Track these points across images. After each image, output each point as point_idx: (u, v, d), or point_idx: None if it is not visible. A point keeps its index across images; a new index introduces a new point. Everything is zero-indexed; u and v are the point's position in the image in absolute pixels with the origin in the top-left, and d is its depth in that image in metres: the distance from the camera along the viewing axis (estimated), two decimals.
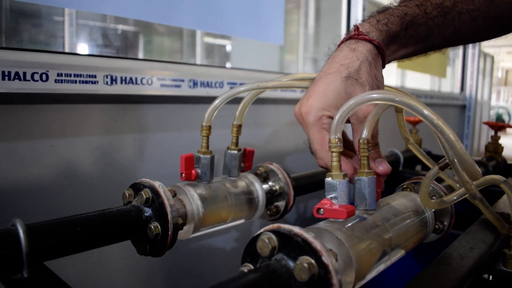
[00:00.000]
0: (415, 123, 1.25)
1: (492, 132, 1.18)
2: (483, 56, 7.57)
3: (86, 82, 0.80)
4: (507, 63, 12.84)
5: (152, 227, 0.55)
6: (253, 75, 1.15)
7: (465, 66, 2.65)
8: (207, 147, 0.65)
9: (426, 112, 0.42)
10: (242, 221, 0.71)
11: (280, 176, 0.73)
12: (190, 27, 1.08)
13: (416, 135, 1.26)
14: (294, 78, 0.63)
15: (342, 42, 0.59)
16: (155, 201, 0.56)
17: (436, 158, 1.30)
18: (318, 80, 0.56)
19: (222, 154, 0.69)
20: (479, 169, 0.46)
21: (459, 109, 2.65)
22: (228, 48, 3.43)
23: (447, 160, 0.56)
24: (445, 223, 0.64)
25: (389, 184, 1.17)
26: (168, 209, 0.55)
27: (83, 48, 1.31)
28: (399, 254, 0.55)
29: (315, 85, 0.56)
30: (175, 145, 0.99)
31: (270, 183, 0.74)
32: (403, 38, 0.60)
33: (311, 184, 0.86)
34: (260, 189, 0.70)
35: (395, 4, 0.61)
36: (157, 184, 0.57)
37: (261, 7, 1.17)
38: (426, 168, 1.35)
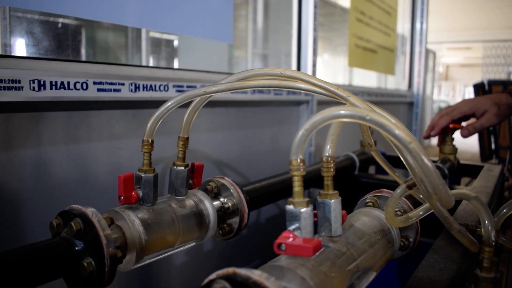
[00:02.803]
0: None
1: None
2: (426, 52, 7.86)
3: (9, 88, 0.70)
4: (447, 59, 13.40)
5: (85, 263, 0.47)
6: (202, 77, 1.07)
7: (412, 64, 2.69)
8: (149, 164, 0.57)
9: (399, 132, 0.36)
10: (192, 243, 0.64)
11: (232, 191, 0.66)
12: (135, 25, 0.99)
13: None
14: (241, 77, 0.56)
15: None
16: (88, 232, 0.48)
17: (390, 159, 1.27)
18: None
19: (168, 163, 0.62)
20: (453, 197, 0.41)
21: (407, 106, 2.68)
22: (176, 43, 3.32)
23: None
24: (411, 240, 0.60)
25: (346, 189, 1.13)
26: (104, 241, 0.47)
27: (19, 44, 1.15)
28: (371, 277, 0.50)
29: None
30: (117, 155, 0.90)
31: (221, 199, 0.67)
32: None
33: (267, 196, 0.80)
34: (210, 207, 0.63)
35: None
36: (90, 212, 0.48)
37: (208, 6, 1.09)
38: (380, 170, 1.33)
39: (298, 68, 1.47)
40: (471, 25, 8.15)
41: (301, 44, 1.45)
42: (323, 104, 1.55)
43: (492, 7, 7.66)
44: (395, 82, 3.03)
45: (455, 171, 1.18)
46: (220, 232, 0.67)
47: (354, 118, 0.37)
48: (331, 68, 3.58)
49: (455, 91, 14.19)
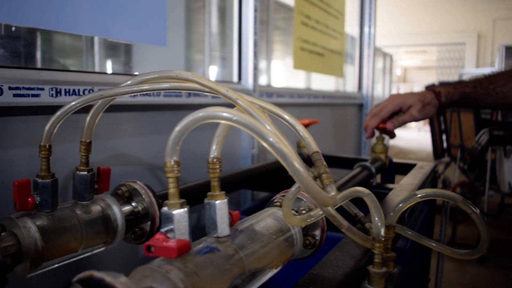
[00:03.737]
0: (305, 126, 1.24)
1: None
2: (383, 55, 8.04)
3: None
4: (405, 62, 13.80)
5: None
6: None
7: (361, 66, 2.75)
8: (48, 170, 0.56)
9: (271, 139, 0.37)
10: (101, 248, 0.63)
11: (144, 195, 0.66)
12: (64, 30, 0.96)
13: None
14: (140, 80, 0.56)
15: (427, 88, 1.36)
16: None
17: (326, 159, 1.30)
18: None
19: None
20: (330, 196, 0.42)
21: (357, 107, 2.74)
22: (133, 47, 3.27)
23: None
24: (317, 238, 0.61)
25: (274, 190, 1.15)
26: None
27: None
28: (264, 278, 0.50)
29: None
30: (38, 162, 0.87)
31: (133, 204, 0.66)
32: (458, 103, 1.18)
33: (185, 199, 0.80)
34: (118, 212, 0.63)
35: (462, 84, 1.19)
36: None
37: (141, 10, 1.08)
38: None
39: (239, 71, 1.47)
40: (425, 29, 8.42)
41: (241, 48, 1.46)
42: None
43: (444, 12, 7.95)
44: (353, 85, 3.09)
45: (387, 169, 1.21)
46: (132, 236, 0.66)
47: (222, 119, 0.38)
48: (293, 72, 3.61)
49: None
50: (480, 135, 3.82)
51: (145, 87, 0.53)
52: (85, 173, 0.59)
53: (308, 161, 1.25)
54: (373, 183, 1.04)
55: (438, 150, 4.89)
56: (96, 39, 3.37)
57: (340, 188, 0.90)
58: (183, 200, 0.40)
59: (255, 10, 1.44)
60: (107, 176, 0.63)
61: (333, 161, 1.34)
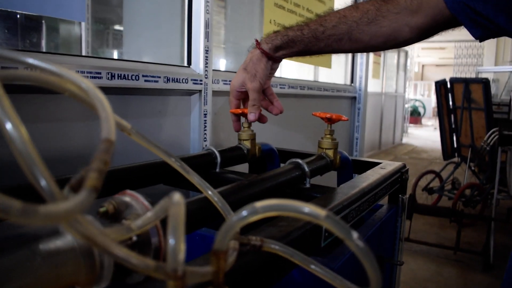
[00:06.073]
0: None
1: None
2: (397, 51, 7.76)
3: None
4: (423, 59, 13.40)
5: None
6: None
7: (355, 59, 2.58)
8: None
9: None
10: None
11: None
12: None
13: (249, 129, 1.10)
14: None
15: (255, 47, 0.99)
16: None
17: (284, 154, 1.13)
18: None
19: None
20: (61, 209, 0.27)
21: (350, 100, 2.57)
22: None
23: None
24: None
25: (196, 188, 0.99)
26: None
27: None
28: None
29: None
30: None
31: None
32: (285, 48, 0.97)
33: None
34: None
35: (287, 28, 0.97)
36: None
37: None
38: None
39: (189, 54, 1.32)
40: None
41: (192, 28, 1.31)
42: (218, 94, 1.41)
43: None
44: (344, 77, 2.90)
45: (338, 167, 1.05)
46: None
47: None
48: (300, 64, 3.47)
49: (430, 91, 14.30)
50: (489, 134, 3.60)
51: None
52: None
53: (250, 153, 1.10)
54: (306, 184, 0.87)
55: (447, 150, 4.66)
56: (83, 25, 3.27)
57: (249, 189, 0.74)
58: None
59: (207, 1, 1.29)
60: None
61: (289, 156, 1.18)
